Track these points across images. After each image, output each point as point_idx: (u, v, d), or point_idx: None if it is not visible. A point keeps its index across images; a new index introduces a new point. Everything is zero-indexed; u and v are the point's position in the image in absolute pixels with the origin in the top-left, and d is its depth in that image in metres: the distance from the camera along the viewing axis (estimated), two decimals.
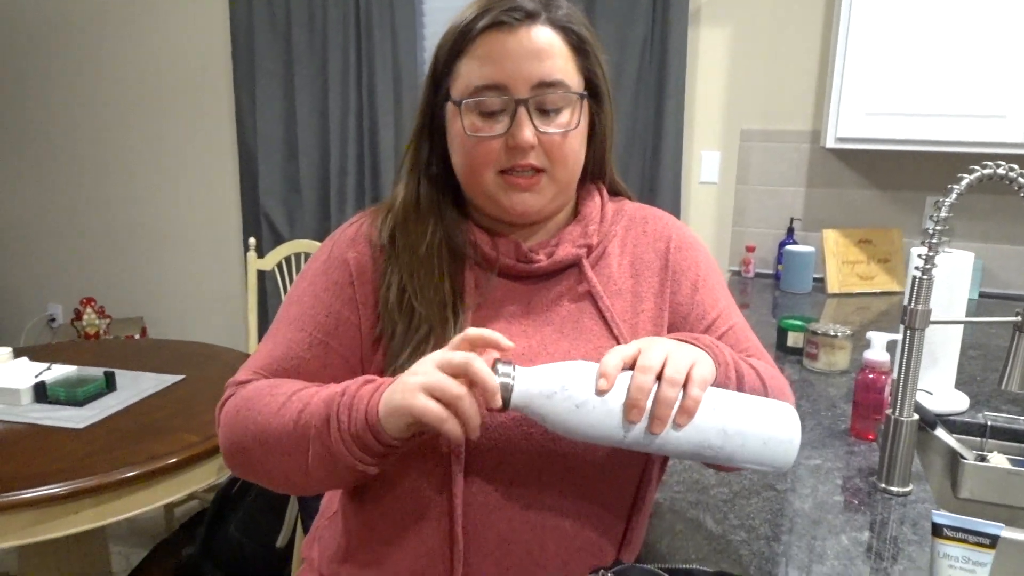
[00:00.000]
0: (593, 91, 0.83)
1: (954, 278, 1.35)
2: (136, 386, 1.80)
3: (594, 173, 0.90)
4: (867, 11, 2.10)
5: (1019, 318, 1.07)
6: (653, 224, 0.89)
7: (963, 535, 0.72)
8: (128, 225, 3.44)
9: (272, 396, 0.77)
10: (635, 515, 0.84)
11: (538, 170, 0.79)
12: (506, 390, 0.65)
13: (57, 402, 1.68)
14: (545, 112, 0.78)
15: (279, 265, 2.73)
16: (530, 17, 0.77)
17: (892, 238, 2.43)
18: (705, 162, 2.67)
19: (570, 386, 0.65)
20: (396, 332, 0.81)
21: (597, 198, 0.89)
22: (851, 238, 2.42)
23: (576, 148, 0.81)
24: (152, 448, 1.48)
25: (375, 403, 0.69)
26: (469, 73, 0.78)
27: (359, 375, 0.82)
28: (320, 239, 2.93)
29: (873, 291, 2.39)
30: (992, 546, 0.72)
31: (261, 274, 2.84)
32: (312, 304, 0.85)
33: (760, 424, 0.67)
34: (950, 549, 0.73)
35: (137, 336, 3.38)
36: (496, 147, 0.78)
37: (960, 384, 1.51)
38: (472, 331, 0.68)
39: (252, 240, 2.77)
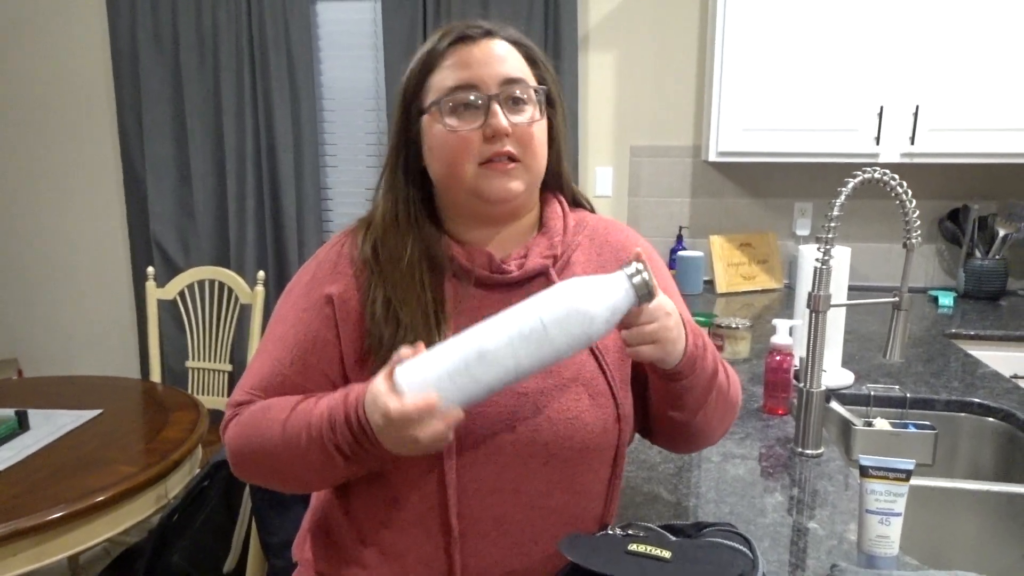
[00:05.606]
0: (547, 98, 0.94)
1: (837, 270, 1.56)
2: (51, 423, 1.72)
3: (554, 180, 1.00)
4: (738, 36, 2.36)
5: (897, 299, 1.28)
6: (615, 235, 1.00)
7: (884, 472, 0.88)
8: None
9: (268, 425, 0.85)
10: (612, 491, 0.93)
11: (514, 159, 0.87)
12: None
13: None
14: (513, 106, 0.88)
15: (181, 294, 2.65)
16: (488, 33, 0.90)
17: (769, 241, 2.70)
18: (599, 177, 2.86)
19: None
20: (384, 342, 0.87)
21: (558, 208, 0.98)
22: (734, 242, 2.67)
23: (543, 141, 0.91)
24: (89, 482, 1.43)
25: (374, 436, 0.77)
26: (442, 81, 0.88)
27: (339, 387, 0.88)
28: (219, 265, 2.86)
29: (756, 289, 2.65)
30: (907, 479, 0.87)
31: (159, 304, 2.73)
32: (293, 323, 0.92)
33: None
34: (875, 485, 0.88)
35: (14, 377, 3.14)
36: (474, 139, 0.86)
37: (845, 363, 1.73)
38: (400, 350, 0.76)
39: (150, 269, 2.68)
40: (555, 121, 0.94)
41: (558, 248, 0.94)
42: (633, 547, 0.67)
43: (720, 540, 0.71)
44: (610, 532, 0.76)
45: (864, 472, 0.89)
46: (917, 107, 2.29)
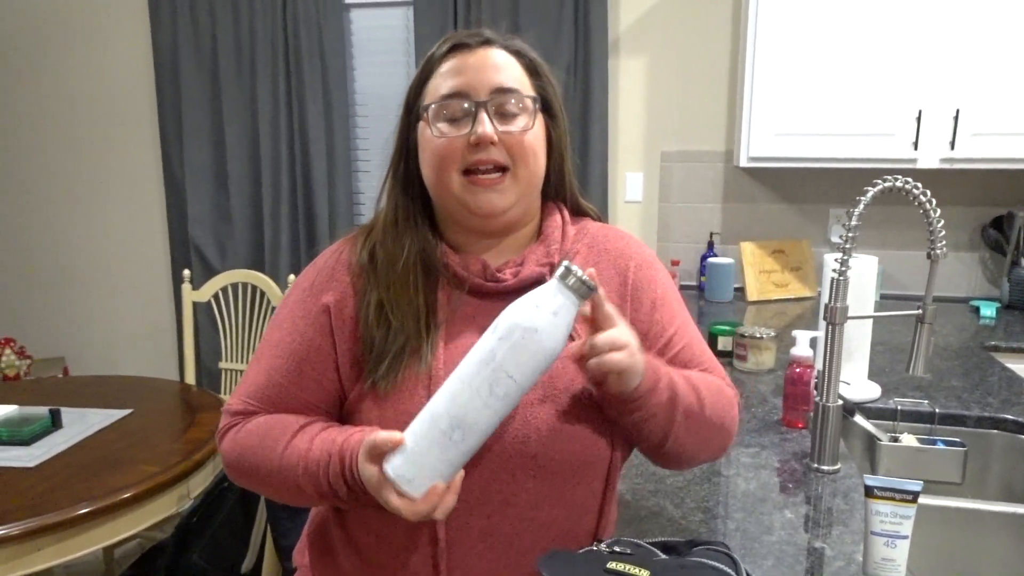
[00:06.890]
0: (547, 108, 0.93)
1: (862, 280, 1.52)
2: (83, 422, 1.77)
3: (556, 190, 0.99)
4: (770, 39, 2.31)
5: (920, 311, 1.24)
6: (615, 243, 0.98)
7: (890, 493, 0.85)
8: (47, 260, 3.33)
9: (265, 453, 0.88)
10: (606, 504, 0.91)
11: (501, 168, 0.87)
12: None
13: (0, 443, 1.64)
14: (503, 116, 0.87)
15: (216, 296, 2.71)
16: (487, 42, 0.90)
17: (802, 248, 2.64)
18: (629, 183, 2.83)
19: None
20: (375, 344, 0.87)
21: (558, 217, 0.97)
22: (766, 249, 2.61)
23: (536, 150, 0.90)
24: (112, 481, 1.47)
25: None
26: (436, 88, 0.89)
27: (333, 395, 0.91)
28: (254, 268, 2.93)
29: (788, 297, 2.59)
30: (914, 501, 0.84)
31: (195, 306, 2.80)
32: (289, 331, 0.93)
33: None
34: (880, 507, 0.85)
35: (60, 375, 3.25)
36: (460, 146, 0.86)
37: (872, 375, 1.68)
38: (374, 439, 0.77)
39: (187, 272, 2.74)
40: (555, 133, 0.94)
41: (555, 256, 0.93)
42: (612, 565, 0.65)
43: (705, 560, 0.69)
44: (595, 548, 0.75)
45: (869, 492, 0.86)
46: (958, 111, 2.21)
